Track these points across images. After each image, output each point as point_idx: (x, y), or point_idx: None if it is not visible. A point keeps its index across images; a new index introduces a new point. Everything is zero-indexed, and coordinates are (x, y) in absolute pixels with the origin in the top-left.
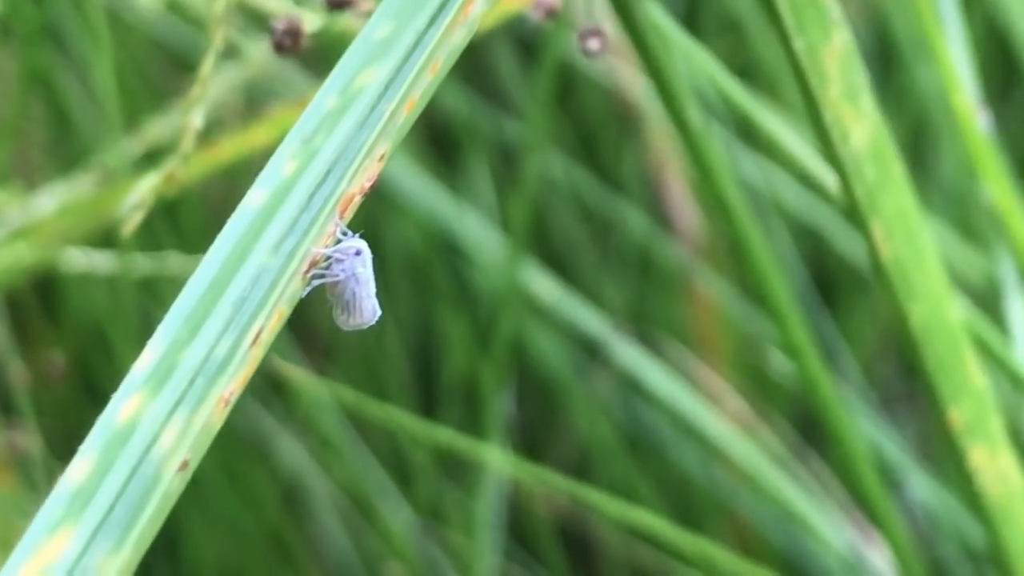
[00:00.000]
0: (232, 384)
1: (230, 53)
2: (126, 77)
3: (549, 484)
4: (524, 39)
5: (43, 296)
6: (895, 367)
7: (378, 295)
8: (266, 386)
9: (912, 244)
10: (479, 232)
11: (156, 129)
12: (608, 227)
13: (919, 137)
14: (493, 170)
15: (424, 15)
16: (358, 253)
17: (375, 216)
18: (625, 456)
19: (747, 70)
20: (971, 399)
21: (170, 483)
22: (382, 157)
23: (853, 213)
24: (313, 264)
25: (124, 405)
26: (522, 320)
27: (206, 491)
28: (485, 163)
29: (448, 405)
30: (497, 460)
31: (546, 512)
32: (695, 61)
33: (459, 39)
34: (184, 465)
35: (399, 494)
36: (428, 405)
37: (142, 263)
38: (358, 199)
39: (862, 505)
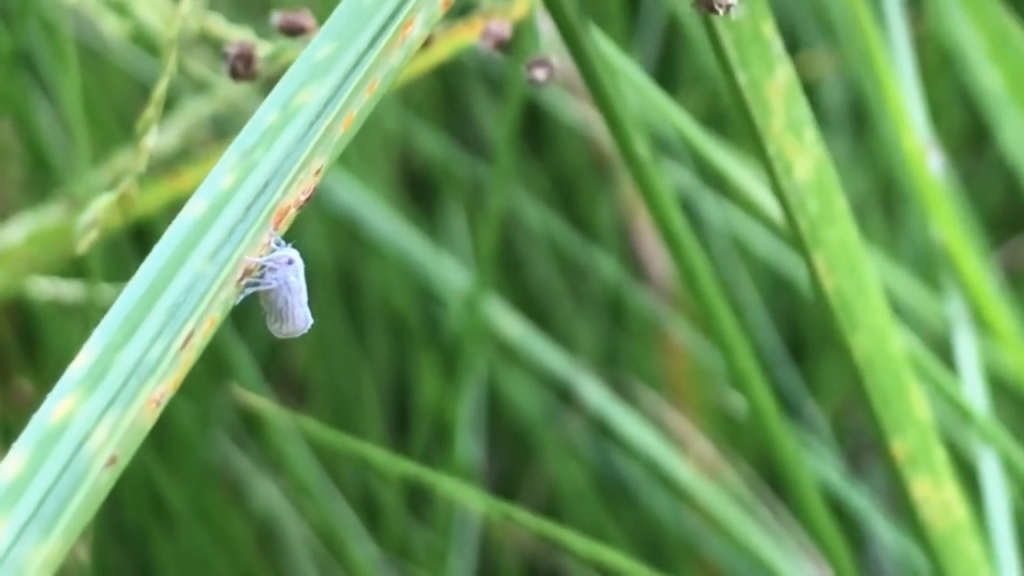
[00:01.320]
0: (162, 386)
1: (200, 87)
2: (97, 107)
3: (519, 523)
4: (499, 83)
5: (18, 326)
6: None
7: (311, 304)
8: (240, 425)
9: (854, 277)
10: (453, 275)
11: (124, 159)
12: (582, 273)
13: (890, 189)
14: (469, 214)
15: (364, 37)
16: (290, 262)
17: (352, 258)
18: (595, 498)
19: (722, 119)
20: (914, 431)
21: (98, 478)
22: (318, 171)
23: (797, 245)
24: (246, 272)
25: (59, 404)
26: (493, 362)
27: (179, 529)
28: (461, 207)
29: (420, 446)
30: (469, 499)
31: (516, 552)
32: (647, 98)
33: (397, 60)
34: (112, 460)
35: (368, 534)
36: (401, 445)
37: (109, 291)
38: (294, 211)
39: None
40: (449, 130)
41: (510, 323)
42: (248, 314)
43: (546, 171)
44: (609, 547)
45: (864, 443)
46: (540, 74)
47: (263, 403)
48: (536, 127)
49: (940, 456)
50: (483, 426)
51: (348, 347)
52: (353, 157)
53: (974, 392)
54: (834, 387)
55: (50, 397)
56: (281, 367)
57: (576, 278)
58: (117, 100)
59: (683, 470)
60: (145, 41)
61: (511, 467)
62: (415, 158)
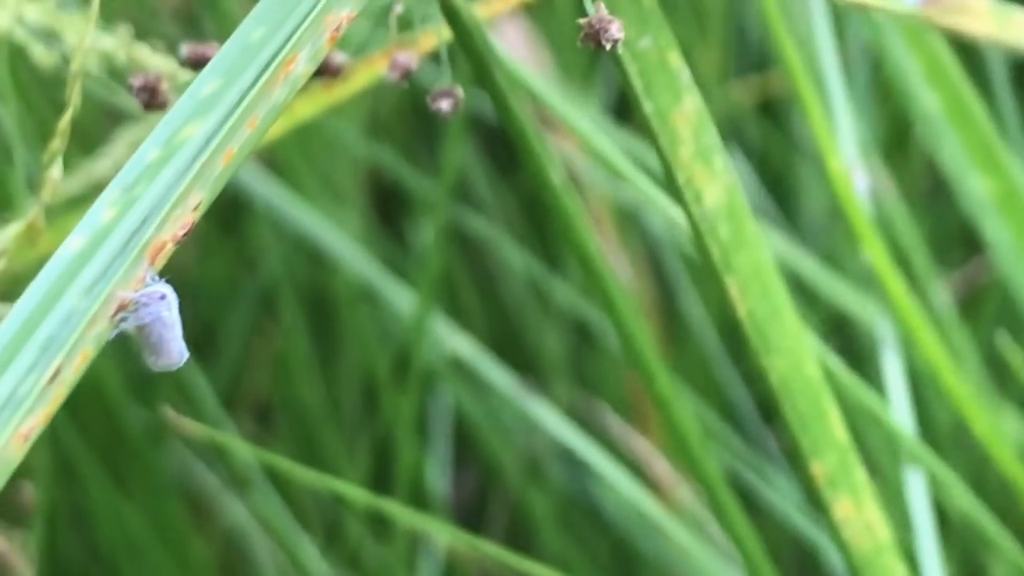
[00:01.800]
0: (31, 420)
1: (137, 114)
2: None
3: (485, 552)
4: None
5: None
6: None
7: (186, 338)
8: (207, 446)
9: (768, 300)
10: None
11: (75, 179)
12: (552, 296)
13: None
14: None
15: (250, 73)
16: (163, 297)
17: (318, 280)
18: (561, 519)
19: None
20: (834, 452)
21: None
22: (197, 207)
23: (709, 272)
24: (121, 308)
25: None
26: (459, 387)
27: (143, 549)
28: (429, 227)
29: (387, 473)
30: (433, 529)
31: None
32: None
33: (280, 96)
34: None
35: (330, 561)
36: (367, 468)
37: None
38: (170, 246)
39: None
40: (416, 150)
41: (465, 344)
42: (214, 337)
43: (516, 194)
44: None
45: None
46: (445, 105)
47: (221, 433)
48: (506, 151)
49: (861, 477)
50: (450, 451)
51: (313, 370)
52: (319, 181)
53: (901, 413)
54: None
55: None
56: (246, 389)
57: (546, 300)
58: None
59: (642, 494)
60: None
61: (479, 491)
62: (384, 179)
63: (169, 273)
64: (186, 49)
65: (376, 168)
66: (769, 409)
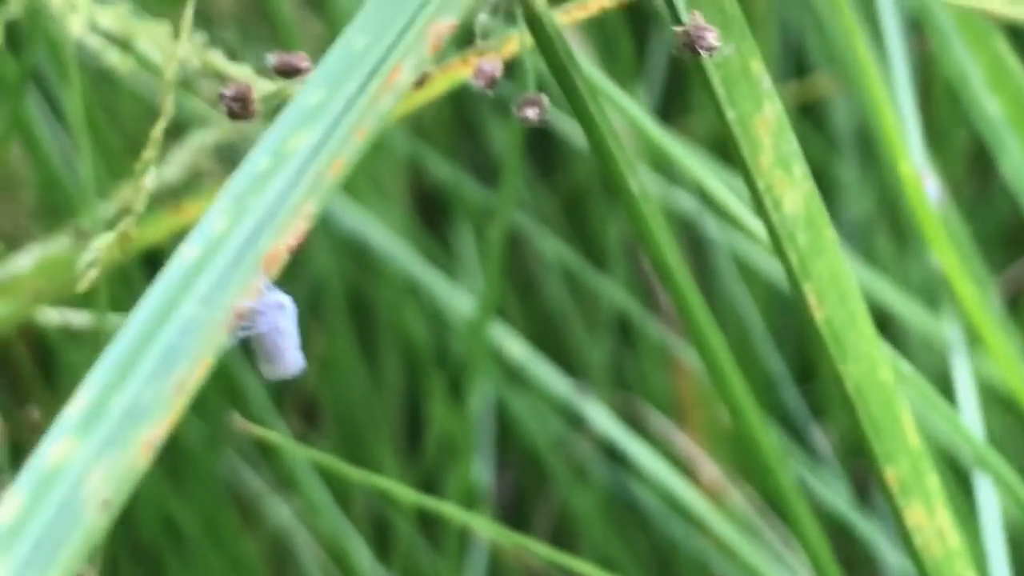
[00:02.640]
0: (156, 429)
1: (205, 116)
2: (106, 132)
3: (530, 550)
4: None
5: (34, 350)
6: None
7: (303, 348)
8: (253, 447)
9: (845, 307)
10: (461, 299)
11: (130, 189)
12: (593, 295)
13: (898, 210)
14: (480, 237)
15: (354, 83)
16: (281, 307)
17: (363, 282)
18: (606, 522)
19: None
20: (907, 458)
21: (92, 523)
22: (309, 216)
23: (788, 278)
24: (239, 317)
25: (54, 447)
26: (503, 386)
27: (192, 551)
28: (472, 231)
29: (431, 470)
30: (478, 526)
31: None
32: (646, 132)
33: (385, 105)
34: (106, 505)
35: (377, 558)
36: (412, 469)
37: (116, 320)
38: (285, 256)
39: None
40: (459, 152)
41: (515, 346)
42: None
43: (556, 193)
44: (619, 574)
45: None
46: (531, 113)
47: (272, 433)
48: (546, 149)
49: (934, 483)
50: (493, 450)
51: (359, 370)
52: (364, 181)
53: (970, 416)
54: (842, 410)
55: (48, 438)
56: (293, 389)
57: (587, 300)
58: (127, 124)
59: (691, 494)
60: (152, 69)
61: (522, 490)
62: (426, 181)
63: None
64: (274, 58)
65: (419, 168)
66: (817, 408)
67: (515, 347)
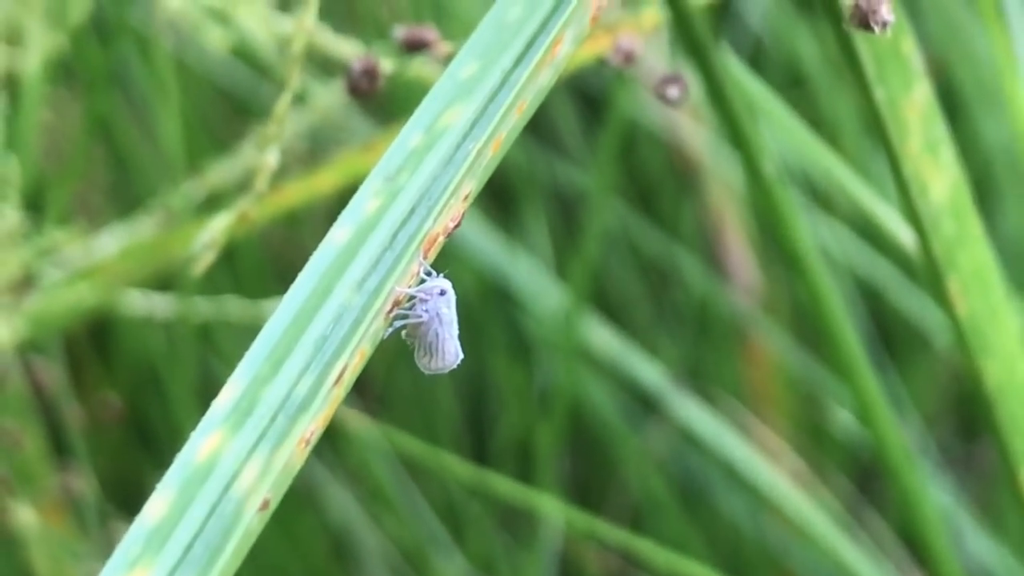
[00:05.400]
0: (313, 424)
1: (295, 99)
2: (187, 121)
3: (600, 536)
4: (580, 88)
5: (97, 339)
6: (952, 430)
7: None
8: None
9: (988, 301)
10: (535, 282)
11: (218, 173)
12: (664, 283)
13: (984, 193)
14: (549, 221)
15: (509, 55)
16: (443, 293)
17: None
18: (678, 511)
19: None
20: None
21: (250, 522)
22: (467, 197)
23: (929, 269)
24: (396, 304)
25: (203, 442)
26: (578, 373)
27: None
28: (542, 213)
29: (501, 456)
30: (550, 512)
31: (598, 567)
32: (770, 115)
33: (545, 79)
34: (266, 504)
35: (451, 544)
36: (481, 456)
37: (201, 307)
38: (442, 239)
39: (925, 565)
40: (529, 133)
41: (601, 336)
42: None
43: (628, 177)
44: (691, 560)
45: (952, 456)
46: (674, 92)
47: (346, 412)
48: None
49: None
50: (565, 438)
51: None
52: None
53: None
54: (921, 400)
55: (194, 434)
56: (360, 375)
57: (657, 288)
58: (205, 112)
59: (769, 480)
60: (243, 54)
61: (593, 480)
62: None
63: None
64: (401, 32)
65: None
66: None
67: (601, 337)
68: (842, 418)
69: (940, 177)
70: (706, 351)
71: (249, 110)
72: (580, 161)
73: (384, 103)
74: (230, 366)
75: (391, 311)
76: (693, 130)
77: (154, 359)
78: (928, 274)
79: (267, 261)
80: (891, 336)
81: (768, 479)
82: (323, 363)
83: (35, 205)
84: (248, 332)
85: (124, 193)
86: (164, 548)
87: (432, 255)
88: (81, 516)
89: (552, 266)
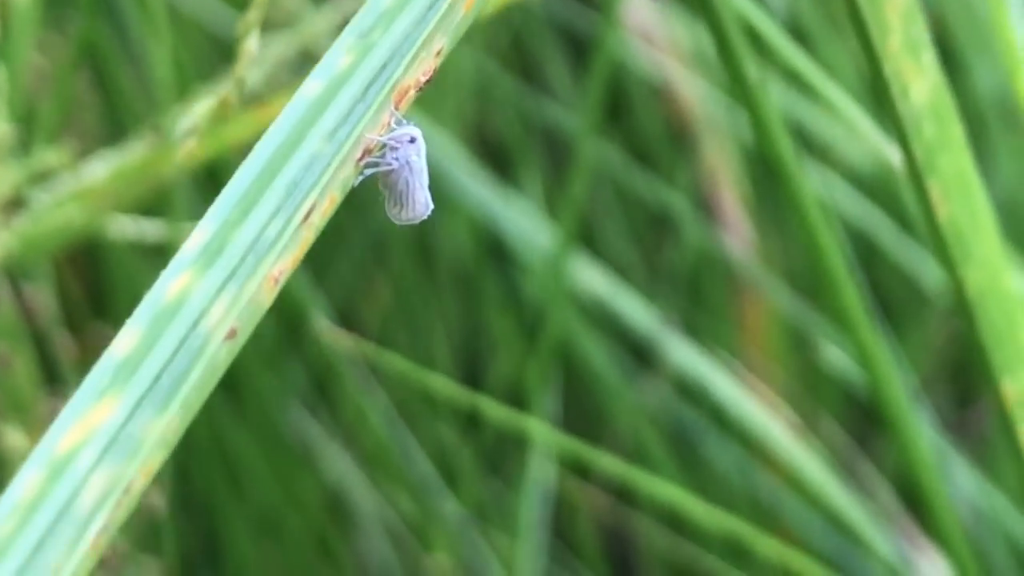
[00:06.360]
0: (281, 263)
1: (283, 26)
2: (177, 58)
3: (594, 478)
4: (571, 35)
5: (83, 267)
6: (947, 394)
7: (432, 194)
8: (313, 393)
9: (969, 207)
10: (527, 230)
11: (206, 99)
12: (658, 230)
13: (976, 141)
14: (541, 170)
15: None
16: (412, 140)
17: (428, 227)
18: (670, 463)
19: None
20: None
21: (217, 352)
22: (439, 52)
23: (911, 174)
24: (367, 151)
25: (172, 283)
26: (568, 321)
27: (250, 492)
28: (534, 163)
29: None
30: (543, 453)
31: (591, 515)
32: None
33: None
34: (232, 334)
35: (444, 489)
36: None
37: (188, 230)
38: (413, 92)
39: (922, 513)
40: (521, 83)
41: (594, 279)
42: (322, 284)
43: (621, 137)
44: (684, 494)
45: (947, 419)
46: None
47: (345, 339)
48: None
49: None
50: (558, 389)
51: (422, 306)
52: (425, 117)
53: None
54: (917, 364)
55: (163, 275)
56: (354, 327)
57: (650, 249)
58: (194, 51)
59: (763, 426)
60: None
61: (584, 427)
62: (489, 122)
63: None
64: None
65: (481, 110)
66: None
67: (594, 280)
68: (838, 367)
69: (921, 79)
70: (699, 308)
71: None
72: (571, 106)
73: None
74: None
75: (361, 159)
76: (687, 82)
77: (141, 289)
78: (911, 181)
79: None
80: (888, 298)
81: (763, 428)
82: (293, 207)
83: (25, 127)
84: None
85: (113, 120)
86: (132, 380)
87: (403, 108)
88: None
89: (544, 214)
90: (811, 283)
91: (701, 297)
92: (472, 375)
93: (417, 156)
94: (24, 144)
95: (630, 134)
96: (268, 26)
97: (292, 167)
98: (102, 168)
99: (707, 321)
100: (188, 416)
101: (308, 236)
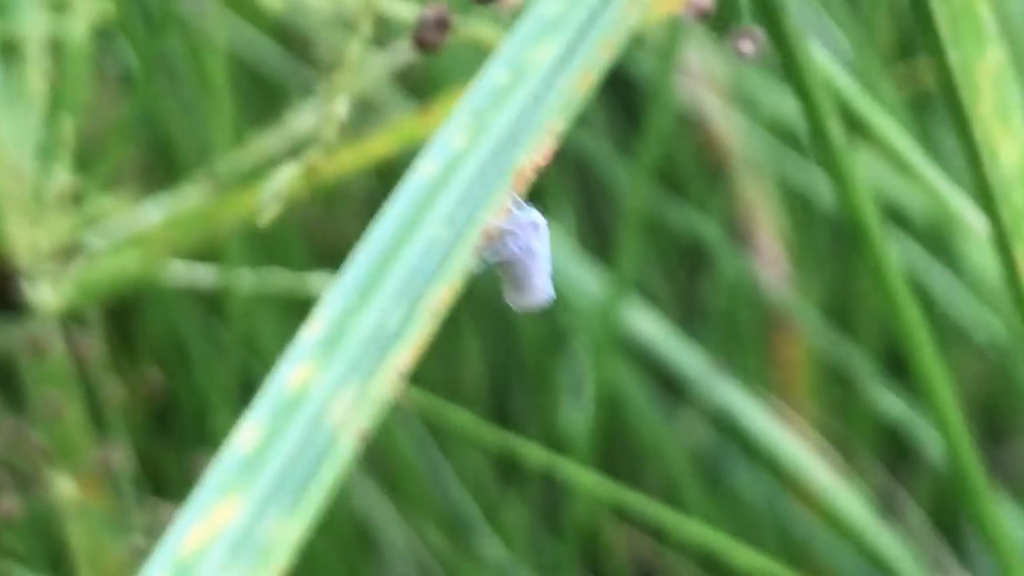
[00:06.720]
0: (405, 354)
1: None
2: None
3: (629, 517)
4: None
5: (125, 315)
6: (980, 432)
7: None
8: None
9: None
10: (562, 261)
11: (264, 143)
12: (690, 280)
13: None
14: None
15: None
16: (535, 227)
17: None
18: (705, 500)
19: None
20: None
21: (344, 451)
22: (555, 133)
23: (998, 240)
24: (487, 238)
25: (292, 373)
26: (613, 364)
27: None
28: (565, 192)
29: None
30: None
31: (627, 553)
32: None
33: (635, 16)
34: (361, 433)
35: (482, 522)
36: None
37: (245, 279)
38: (532, 175)
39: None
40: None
41: (640, 322)
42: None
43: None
44: (720, 535)
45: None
46: (747, 47)
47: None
48: (632, 111)
49: None
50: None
51: (453, 339)
52: None
53: None
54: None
55: (282, 365)
56: None
57: (683, 284)
58: (244, 93)
59: (810, 468)
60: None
61: (621, 468)
62: None
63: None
64: None
65: None
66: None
67: (643, 323)
68: (877, 404)
69: (1010, 142)
70: (735, 348)
71: (287, 93)
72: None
73: (417, 86)
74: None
75: (482, 246)
76: (722, 115)
77: (188, 338)
78: (996, 245)
79: (302, 242)
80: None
81: (798, 464)
82: (414, 295)
83: (81, 171)
84: (288, 311)
85: (168, 165)
86: (256, 477)
87: (522, 190)
88: (119, 490)
89: (577, 243)
90: (847, 319)
91: (736, 332)
92: (504, 408)
93: (539, 242)
94: (81, 186)
95: (664, 165)
96: (319, 66)
97: (410, 254)
98: (157, 213)
99: (742, 356)
100: (314, 519)
101: (430, 325)
